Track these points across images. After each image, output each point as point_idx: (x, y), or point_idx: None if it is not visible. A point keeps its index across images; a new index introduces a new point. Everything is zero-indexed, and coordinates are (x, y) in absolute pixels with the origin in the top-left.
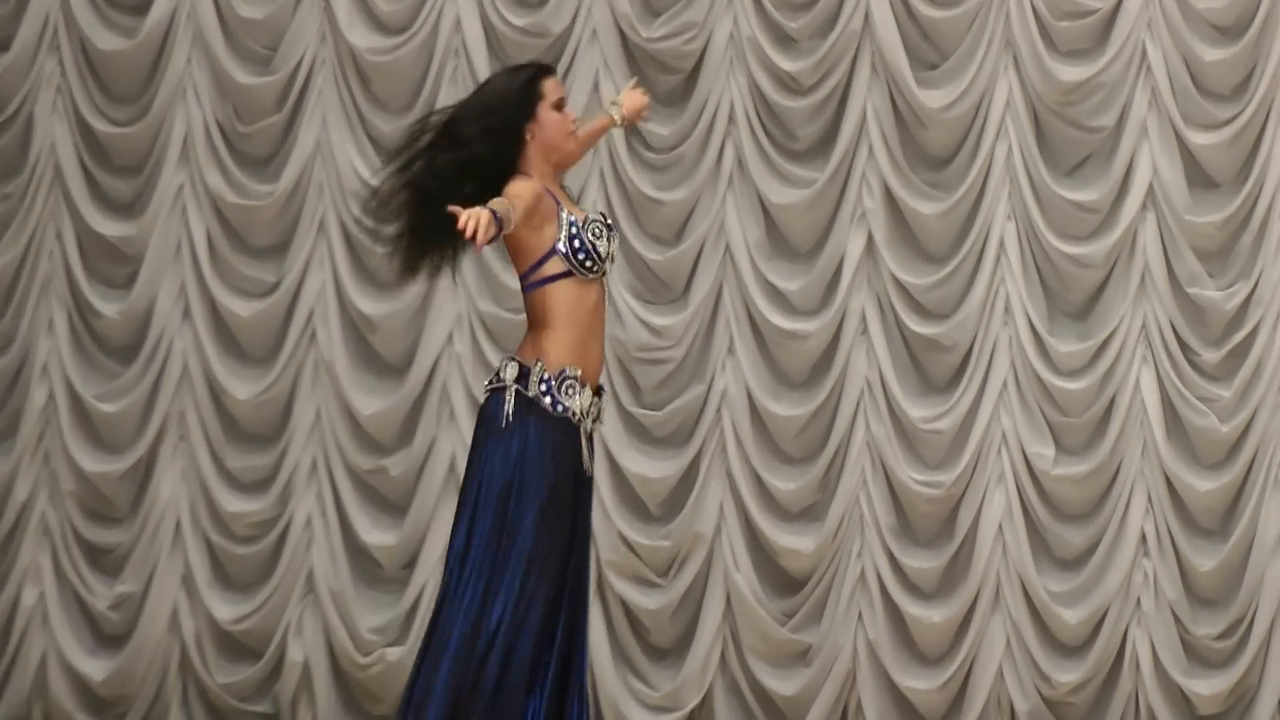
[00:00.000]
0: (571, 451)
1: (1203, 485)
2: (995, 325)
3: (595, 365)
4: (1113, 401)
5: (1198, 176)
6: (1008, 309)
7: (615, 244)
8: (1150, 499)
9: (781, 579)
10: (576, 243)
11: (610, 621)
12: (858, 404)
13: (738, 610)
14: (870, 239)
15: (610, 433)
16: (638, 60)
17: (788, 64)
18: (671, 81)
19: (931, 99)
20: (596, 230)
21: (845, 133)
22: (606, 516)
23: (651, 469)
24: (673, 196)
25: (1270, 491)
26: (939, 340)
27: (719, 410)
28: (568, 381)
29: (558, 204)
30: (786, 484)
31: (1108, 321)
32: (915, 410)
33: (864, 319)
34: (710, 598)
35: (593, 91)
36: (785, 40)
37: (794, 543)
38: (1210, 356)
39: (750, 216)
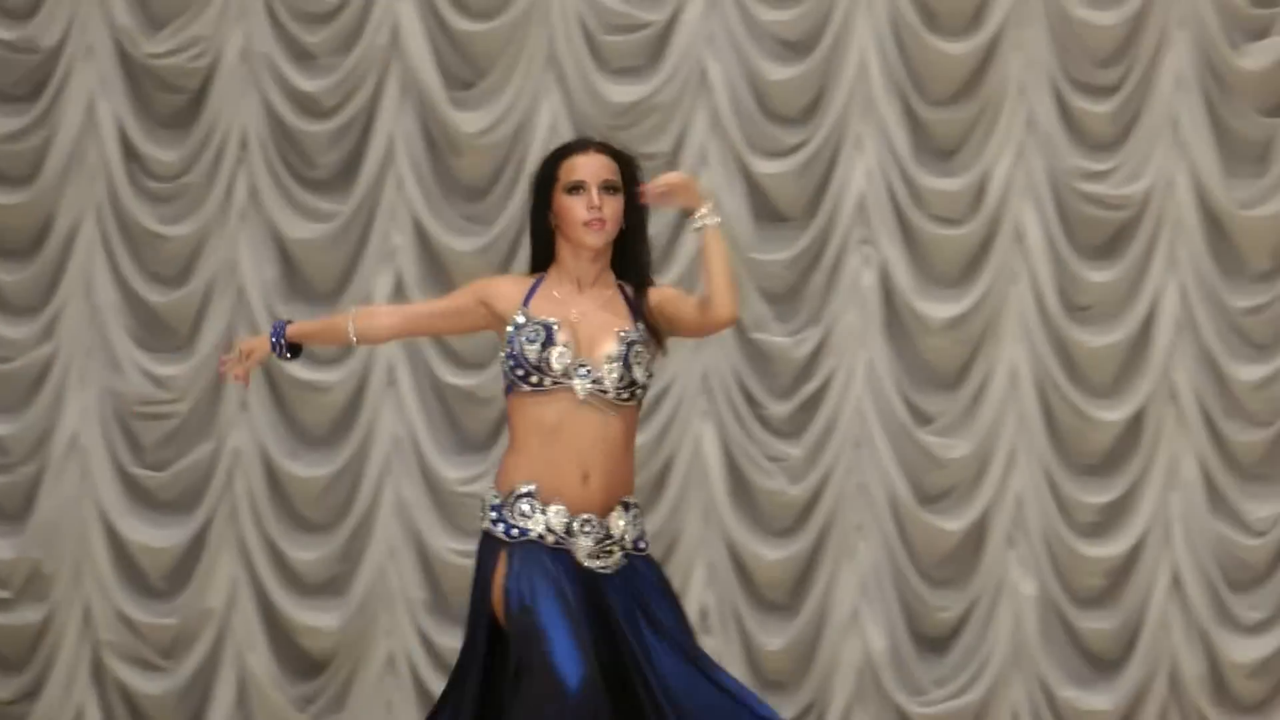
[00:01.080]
0: (551, 564)
1: (770, 554)
2: None
3: (569, 483)
4: (670, 461)
5: (764, 209)
6: None
7: (567, 352)
8: (714, 569)
9: (301, 660)
10: (511, 348)
11: (109, 710)
12: (386, 464)
13: (252, 696)
14: (400, 280)
15: (107, 497)
16: (139, 80)
17: (306, 83)
18: (177, 102)
19: (467, 122)
20: (532, 334)
21: (371, 160)
22: (102, 591)
23: (154, 537)
24: (177, 231)
25: (845, 562)
26: (476, 392)
27: (230, 471)
28: (521, 501)
29: (528, 299)
30: (306, 553)
31: (663, 371)
32: (451, 471)
33: (391, 369)
34: (220, 682)
35: (87, 115)
36: (304, 57)
37: (315, 619)
38: (778, 410)
39: (265, 254)
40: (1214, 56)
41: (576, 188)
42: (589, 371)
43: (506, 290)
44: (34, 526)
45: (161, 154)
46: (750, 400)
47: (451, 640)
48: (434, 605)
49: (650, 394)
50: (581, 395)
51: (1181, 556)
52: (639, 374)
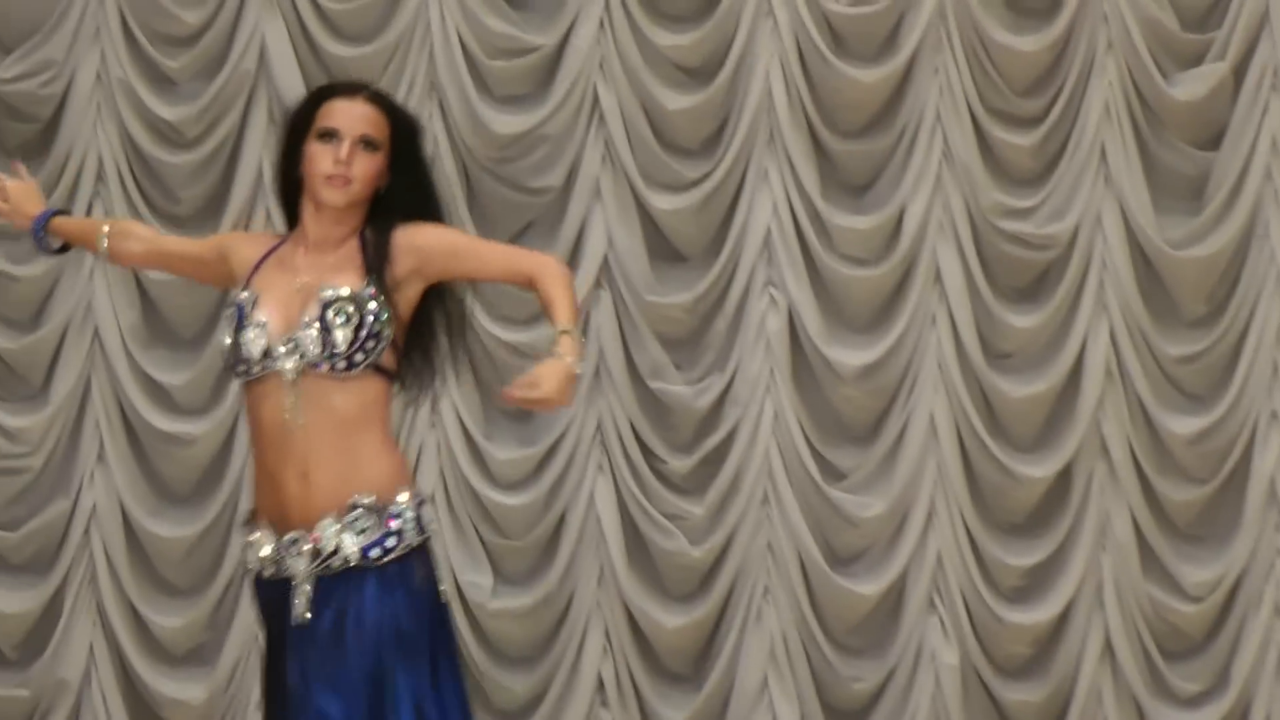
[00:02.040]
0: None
1: (671, 621)
2: (421, 428)
3: (286, 490)
4: (562, 519)
5: (662, 248)
6: (435, 407)
7: (262, 333)
8: (609, 637)
9: None
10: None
11: None
12: None
13: None
14: None
15: None
16: None
17: (167, 111)
18: (28, 131)
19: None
20: (229, 315)
21: (238, 193)
22: None
23: (4, 602)
24: (27, 271)
25: (752, 629)
26: None
27: (87, 530)
28: (247, 526)
29: (255, 270)
30: (169, 620)
31: (555, 423)
32: None
33: None
34: None
35: None
36: (164, 82)
37: (179, 691)
38: (679, 464)
39: (124, 295)
40: (1144, 85)
41: (328, 135)
42: (295, 346)
43: (245, 251)
44: None
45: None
46: (648, 453)
47: None
48: None
49: (539, 446)
50: (290, 377)
51: (1113, 623)
52: (341, 336)
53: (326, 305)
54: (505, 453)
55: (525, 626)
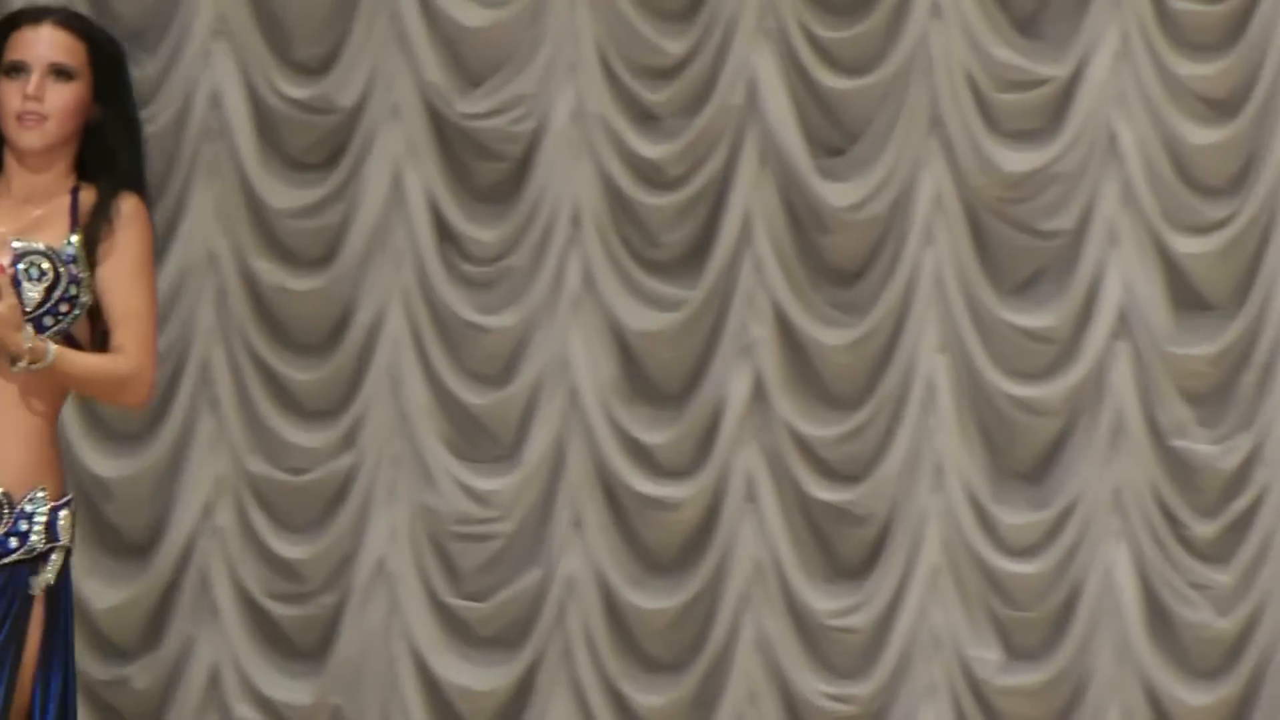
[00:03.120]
0: None
1: (1195, 699)
2: (922, 492)
3: None
4: (1076, 590)
5: (1185, 295)
6: (939, 470)
7: None
8: (1130, 716)
9: None
10: None
11: None
12: (744, 592)
13: None
14: (759, 378)
15: (419, 631)
16: (452, 143)
17: (648, 149)
18: (497, 172)
19: (836, 194)
20: None
21: (724, 239)
22: None
23: (475, 678)
24: (498, 322)
25: None
26: (850, 509)
27: (562, 602)
28: None
29: None
30: (651, 697)
31: (1068, 485)
32: (820, 601)
33: (751, 482)
34: None
35: (393, 186)
36: (645, 118)
37: None
38: (1203, 530)
39: (601, 348)
40: None
41: (15, 69)
42: None
43: None
44: (334, 665)
45: (479, 232)
46: (1170, 518)
47: None
48: None
49: (1051, 511)
50: None
51: None
52: (34, 292)
53: (19, 257)
54: (1016, 517)
55: (1037, 705)
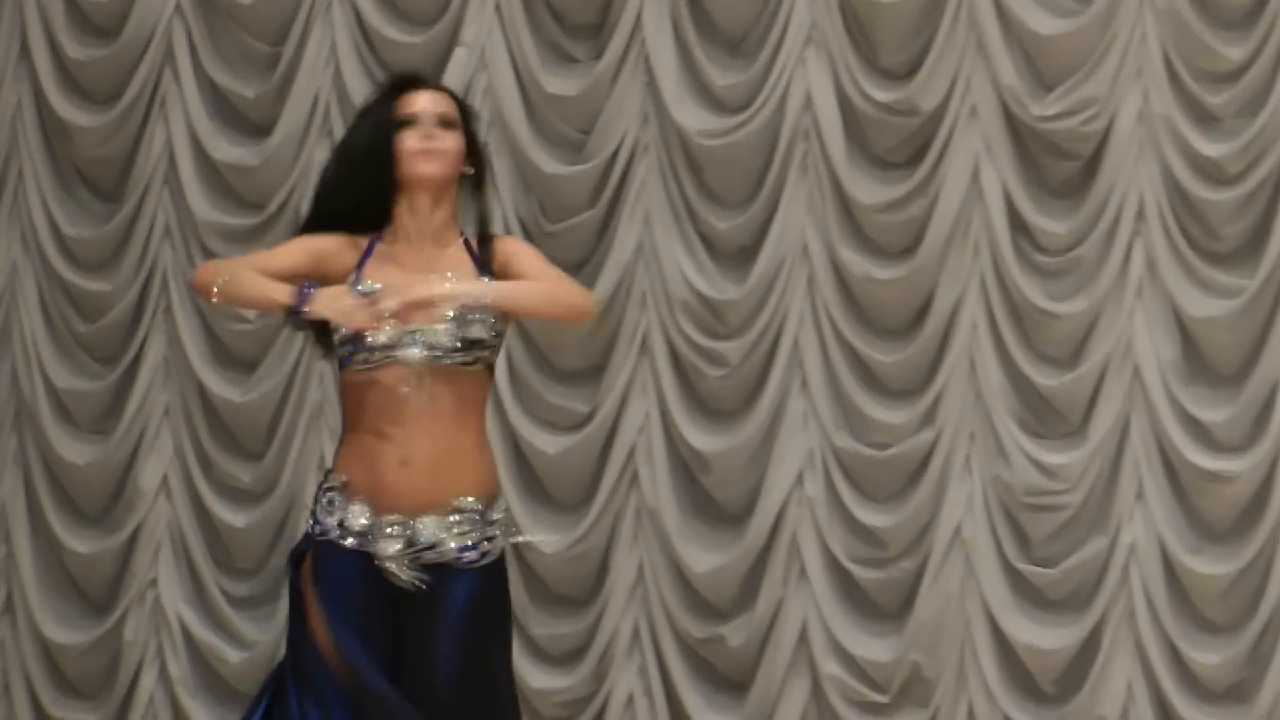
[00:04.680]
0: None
1: None
2: None
3: (391, 482)
4: None
5: None
6: None
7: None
8: None
9: None
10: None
11: None
12: None
13: None
14: None
15: (993, 593)
16: (1026, 143)
17: (1209, 148)
18: (1068, 169)
19: None
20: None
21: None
22: (987, 695)
23: (1043, 638)
24: (1069, 308)
25: None
26: None
27: (1125, 568)
28: (330, 494)
29: (362, 263)
30: (1209, 657)
31: None
32: None
33: None
34: None
35: (971, 182)
36: (1206, 119)
37: None
38: None
39: (1164, 332)
40: None
41: (407, 123)
42: (420, 336)
43: (338, 251)
44: (913, 625)
45: (1051, 225)
46: None
47: None
48: None
49: None
50: (413, 365)
51: None
52: (480, 331)
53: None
54: None
55: None
